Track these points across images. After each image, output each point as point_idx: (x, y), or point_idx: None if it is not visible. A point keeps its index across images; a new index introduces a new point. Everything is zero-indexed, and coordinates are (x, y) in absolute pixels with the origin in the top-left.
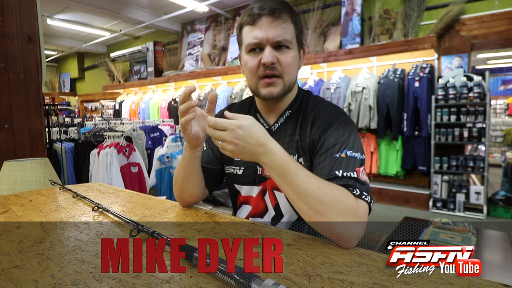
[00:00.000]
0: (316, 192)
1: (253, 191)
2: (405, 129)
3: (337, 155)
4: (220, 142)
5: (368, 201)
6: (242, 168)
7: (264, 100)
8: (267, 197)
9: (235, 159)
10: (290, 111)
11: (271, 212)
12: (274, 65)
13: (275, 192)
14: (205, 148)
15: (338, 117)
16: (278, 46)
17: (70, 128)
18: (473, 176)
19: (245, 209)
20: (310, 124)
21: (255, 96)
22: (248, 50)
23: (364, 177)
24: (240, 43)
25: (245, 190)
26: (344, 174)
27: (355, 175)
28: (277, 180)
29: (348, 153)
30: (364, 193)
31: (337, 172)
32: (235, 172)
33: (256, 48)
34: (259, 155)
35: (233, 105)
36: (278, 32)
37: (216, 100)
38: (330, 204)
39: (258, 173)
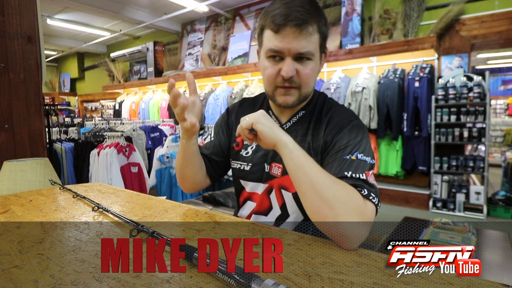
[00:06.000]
0: (331, 186)
1: (259, 188)
2: (405, 129)
3: (348, 157)
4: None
5: (376, 203)
6: (250, 164)
7: (279, 107)
8: (273, 196)
9: (243, 154)
10: (303, 112)
11: (276, 211)
12: (292, 78)
13: (283, 191)
14: (212, 139)
15: (351, 120)
16: (300, 57)
17: (70, 128)
18: (473, 176)
19: (249, 206)
20: (324, 126)
21: (270, 100)
22: (268, 56)
23: (372, 180)
24: (259, 43)
25: (250, 187)
26: (353, 175)
27: (364, 177)
28: (294, 168)
29: (359, 156)
30: (372, 194)
31: (346, 173)
32: (242, 168)
33: (276, 56)
34: (280, 136)
35: (245, 100)
36: (302, 44)
37: (193, 81)
38: (342, 200)
39: (266, 170)
